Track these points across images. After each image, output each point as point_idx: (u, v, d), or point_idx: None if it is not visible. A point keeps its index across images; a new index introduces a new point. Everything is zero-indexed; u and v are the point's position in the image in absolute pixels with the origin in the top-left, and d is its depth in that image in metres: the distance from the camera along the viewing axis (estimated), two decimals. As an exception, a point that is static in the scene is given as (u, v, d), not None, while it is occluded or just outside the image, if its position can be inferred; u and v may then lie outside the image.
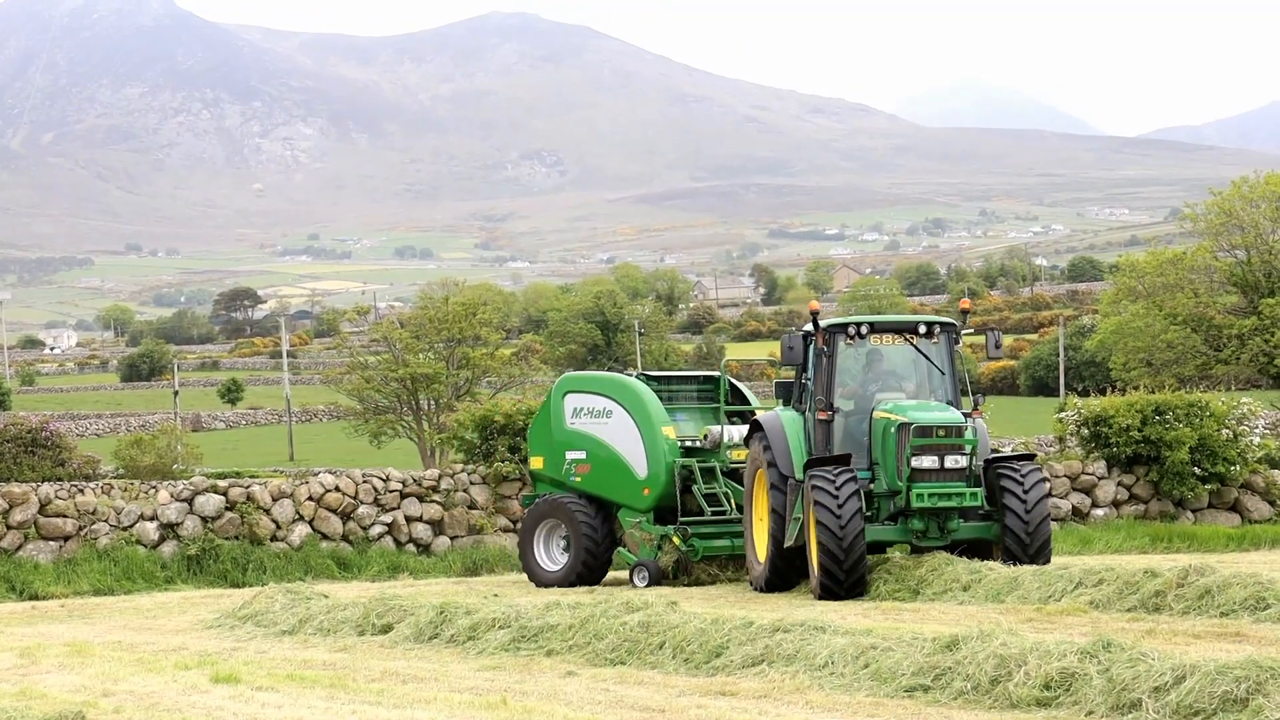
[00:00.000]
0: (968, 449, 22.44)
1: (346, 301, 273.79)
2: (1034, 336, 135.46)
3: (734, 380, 27.73)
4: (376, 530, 30.44)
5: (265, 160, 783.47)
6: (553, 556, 26.72)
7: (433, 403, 60.08)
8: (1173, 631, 17.31)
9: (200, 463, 66.41)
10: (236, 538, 29.24)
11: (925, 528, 22.55)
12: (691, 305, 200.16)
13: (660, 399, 26.71)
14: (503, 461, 31.35)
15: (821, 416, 22.98)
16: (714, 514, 25.31)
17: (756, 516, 23.93)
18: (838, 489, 21.64)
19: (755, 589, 23.69)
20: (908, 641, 14.57)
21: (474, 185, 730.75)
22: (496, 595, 22.77)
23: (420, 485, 31.15)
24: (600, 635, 16.92)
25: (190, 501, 29.32)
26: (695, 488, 25.43)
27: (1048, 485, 24.68)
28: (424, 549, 30.69)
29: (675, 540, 25.32)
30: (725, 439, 25.81)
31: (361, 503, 30.50)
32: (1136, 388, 36.07)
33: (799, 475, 22.84)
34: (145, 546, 28.80)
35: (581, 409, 26.83)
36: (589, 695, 14.38)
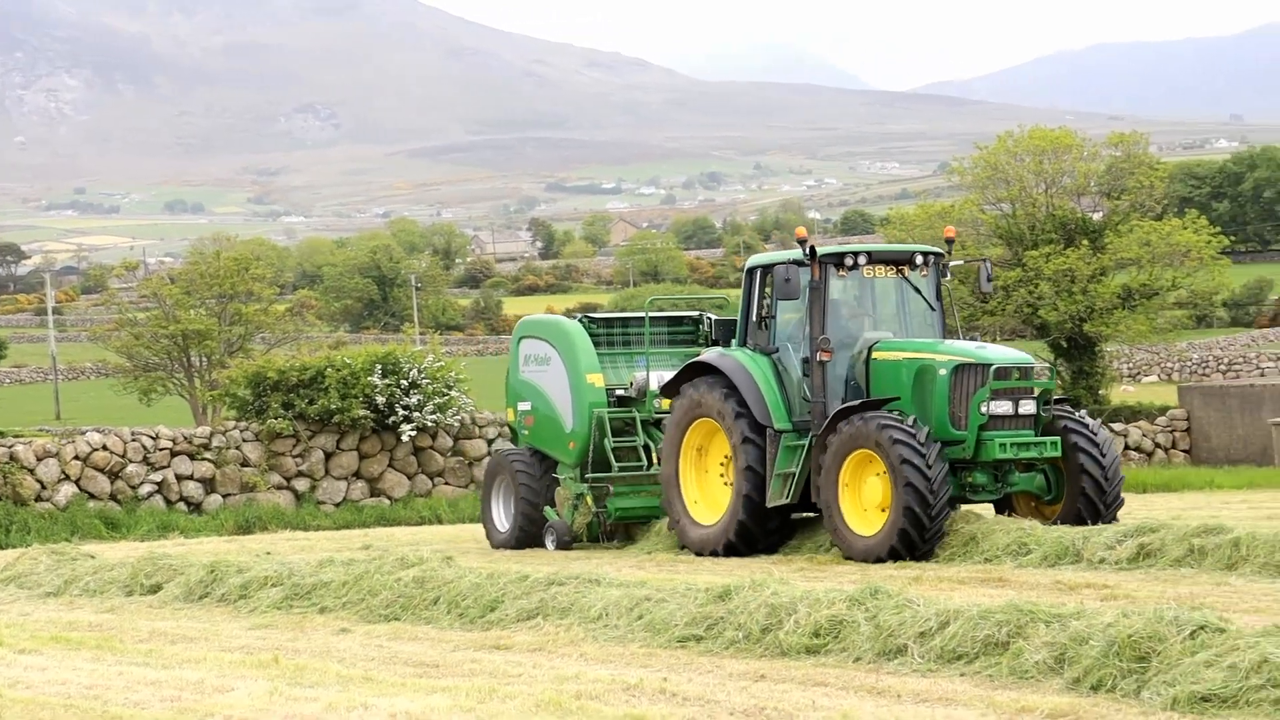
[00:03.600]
0: (1037, 392, 20.48)
1: (114, 257, 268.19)
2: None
3: (714, 319, 24.65)
4: (146, 489, 29.96)
5: (28, 112, 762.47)
6: (508, 515, 24.63)
7: (204, 359, 59.16)
8: (938, 578, 17.68)
9: (-37, 423, 64.74)
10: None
11: (986, 481, 20.49)
12: (469, 259, 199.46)
13: (614, 343, 24.57)
14: (276, 418, 31.02)
15: (824, 357, 20.63)
16: (621, 469, 23.29)
17: (690, 469, 21.94)
18: (921, 441, 19.47)
19: (701, 553, 21.43)
20: (681, 593, 14.69)
21: (246, 139, 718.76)
22: (269, 553, 22.55)
23: (191, 443, 30.70)
24: (374, 591, 16.84)
25: (-49, 462, 28.56)
26: (605, 441, 23.37)
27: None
28: (195, 507, 30.28)
29: (588, 501, 23.50)
30: (655, 386, 23.45)
31: (130, 461, 29.98)
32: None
33: (779, 425, 20.86)
34: (-96, 509, 28.01)
35: (530, 356, 24.63)
36: (362, 652, 14.30)
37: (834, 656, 12.67)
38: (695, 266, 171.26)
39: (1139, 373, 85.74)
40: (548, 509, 24.15)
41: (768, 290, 21.47)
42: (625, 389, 23.94)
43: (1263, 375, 71.80)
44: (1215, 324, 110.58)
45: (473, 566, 17.39)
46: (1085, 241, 48.11)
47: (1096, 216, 51.29)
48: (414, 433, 31.77)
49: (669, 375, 23.01)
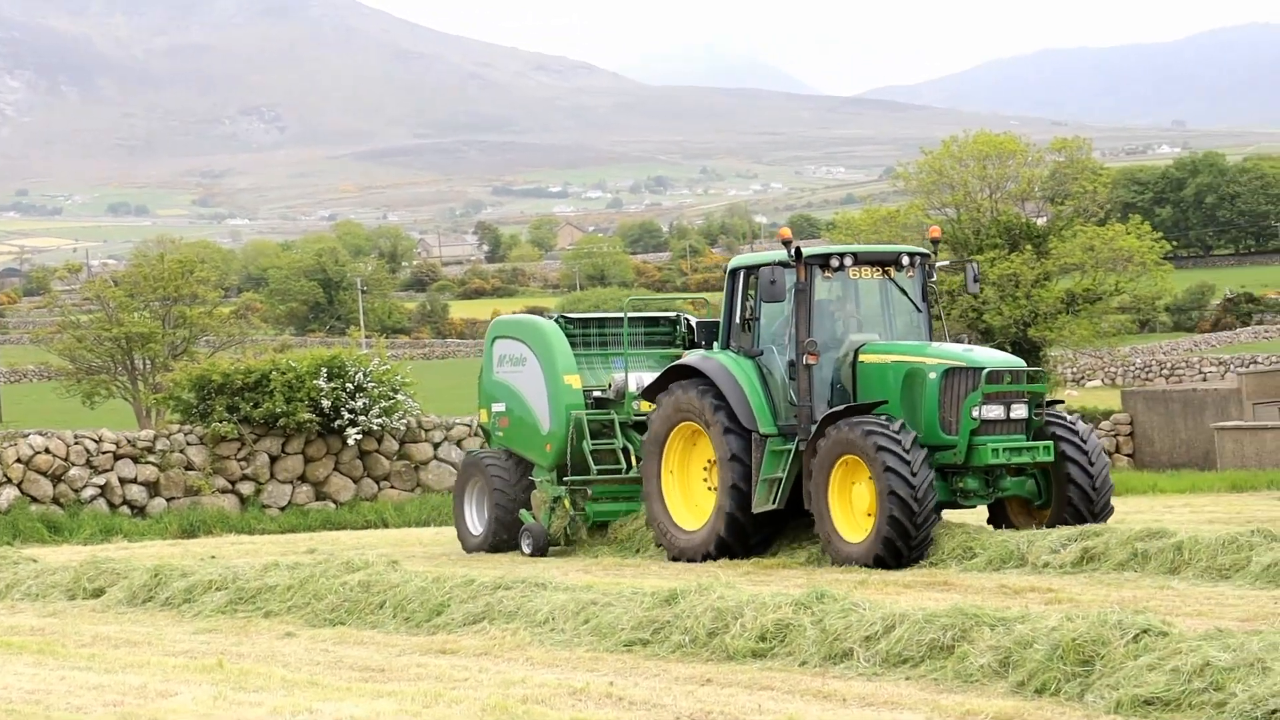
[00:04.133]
0: (1028, 396, 20.00)
1: (57, 259, 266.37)
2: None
3: (692, 319, 24.39)
4: (89, 493, 29.74)
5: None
6: (482, 519, 24.09)
7: (148, 362, 58.79)
8: (884, 582, 17.75)
9: (-97, 426, 64.17)
10: (-59, 503, 28.34)
11: (977, 486, 20.02)
12: (415, 263, 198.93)
13: (590, 343, 23.93)
14: (220, 421, 30.87)
15: (811, 360, 20.19)
16: (601, 473, 22.76)
17: (672, 474, 21.44)
18: (905, 444, 19.01)
19: (686, 559, 20.87)
20: (627, 596, 14.69)
21: (191, 141, 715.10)
22: (214, 557, 22.47)
23: (135, 446, 30.50)
24: (320, 595, 16.79)
25: (-109, 466, 28.31)
26: (584, 443, 22.79)
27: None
28: (139, 511, 30.08)
29: (566, 504, 22.98)
30: (634, 388, 23.00)
31: (73, 465, 29.77)
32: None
33: (764, 429, 20.46)
34: None
35: (505, 356, 24.02)
36: (308, 656, 14.25)
37: (780, 660, 12.69)
38: (642, 270, 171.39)
39: (1083, 377, 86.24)
40: (524, 512, 23.62)
41: (751, 292, 21.06)
42: (603, 390, 23.38)
43: (1205, 380, 72.37)
44: (1158, 328, 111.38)
45: (419, 570, 17.35)
46: (1029, 246, 48.36)
47: (1041, 221, 51.58)
48: (359, 436, 31.66)
49: (647, 377, 22.68)
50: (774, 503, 20.27)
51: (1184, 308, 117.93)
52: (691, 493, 21.54)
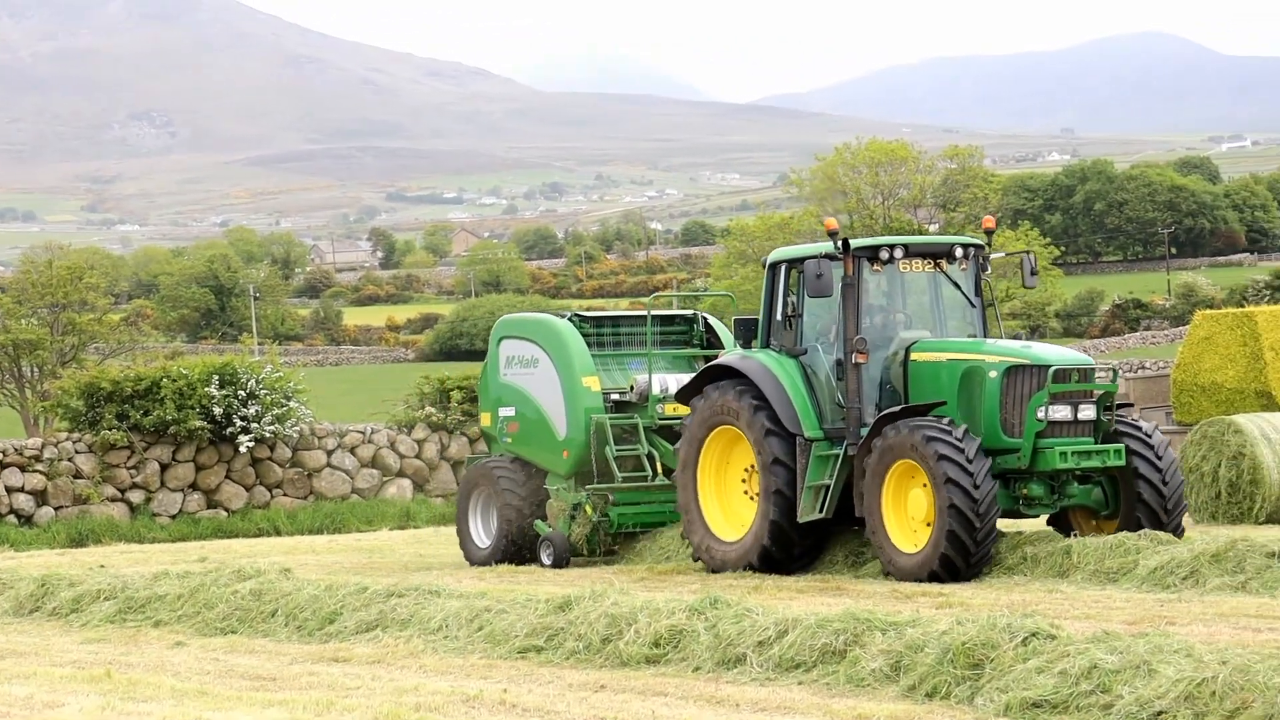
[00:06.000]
0: (1097, 395, 18.67)
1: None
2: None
3: (709, 319, 23.69)
4: (-25, 502, 29.35)
5: None
6: (489, 530, 22.84)
7: (36, 370, 58.13)
8: (778, 587, 17.84)
9: None
10: None
11: (1042, 493, 18.69)
12: (308, 269, 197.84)
13: (604, 343, 22.91)
14: (110, 429, 30.56)
15: (860, 359, 18.91)
16: (625, 479, 21.65)
17: (709, 482, 20.16)
18: (969, 453, 17.74)
19: (724, 570, 19.65)
20: (521, 603, 14.68)
21: (79, 146, 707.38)
22: (103, 566, 22.25)
23: (22, 455, 30.14)
24: (210, 604, 16.68)
25: None
26: (607, 449, 21.59)
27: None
28: (26, 520, 29.73)
29: (588, 510, 21.82)
30: (658, 390, 21.94)
31: (-41, 474, 29.37)
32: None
33: (810, 433, 19.13)
34: None
35: (514, 358, 22.79)
36: (198, 665, 14.14)
37: (674, 666, 12.73)
38: (537, 276, 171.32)
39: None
40: (539, 522, 22.41)
41: (794, 286, 19.79)
42: (623, 393, 22.23)
43: (1094, 385, 73.08)
44: (1048, 334, 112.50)
45: (311, 579, 17.27)
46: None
47: (932, 228, 52.05)
48: (252, 444, 31.44)
49: (668, 378, 21.98)
50: (821, 511, 19.00)
51: (1073, 313, 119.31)
52: (730, 501, 20.24)
